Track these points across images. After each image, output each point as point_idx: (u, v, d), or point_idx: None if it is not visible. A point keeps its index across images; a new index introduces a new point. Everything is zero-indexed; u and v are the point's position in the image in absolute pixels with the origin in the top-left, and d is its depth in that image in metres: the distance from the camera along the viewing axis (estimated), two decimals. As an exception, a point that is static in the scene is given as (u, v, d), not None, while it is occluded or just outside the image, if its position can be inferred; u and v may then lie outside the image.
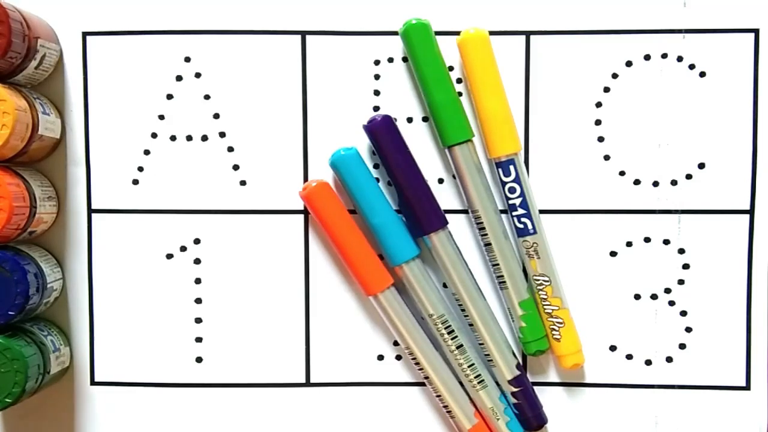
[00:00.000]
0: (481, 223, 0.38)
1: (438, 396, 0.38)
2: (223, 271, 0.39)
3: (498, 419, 0.38)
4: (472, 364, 0.38)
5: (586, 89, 0.38)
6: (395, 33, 0.38)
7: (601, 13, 0.38)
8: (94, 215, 0.39)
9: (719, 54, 0.38)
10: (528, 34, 0.38)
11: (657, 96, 0.38)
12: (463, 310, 0.38)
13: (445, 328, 0.38)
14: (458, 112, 0.37)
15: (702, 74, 0.38)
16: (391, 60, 0.38)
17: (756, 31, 0.38)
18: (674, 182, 0.39)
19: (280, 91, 0.39)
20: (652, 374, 0.39)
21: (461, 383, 0.38)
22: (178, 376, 0.39)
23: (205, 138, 0.39)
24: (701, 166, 0.38)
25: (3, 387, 0.35)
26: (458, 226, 0.39)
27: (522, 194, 0.37)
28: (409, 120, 0.39)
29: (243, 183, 0.39)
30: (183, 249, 0.39)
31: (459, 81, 0.38)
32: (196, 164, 0.39)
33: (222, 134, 0.39)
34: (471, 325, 0.38)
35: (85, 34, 0.39)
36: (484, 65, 0.37)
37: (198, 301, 0.39)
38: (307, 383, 0.39)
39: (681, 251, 0.39)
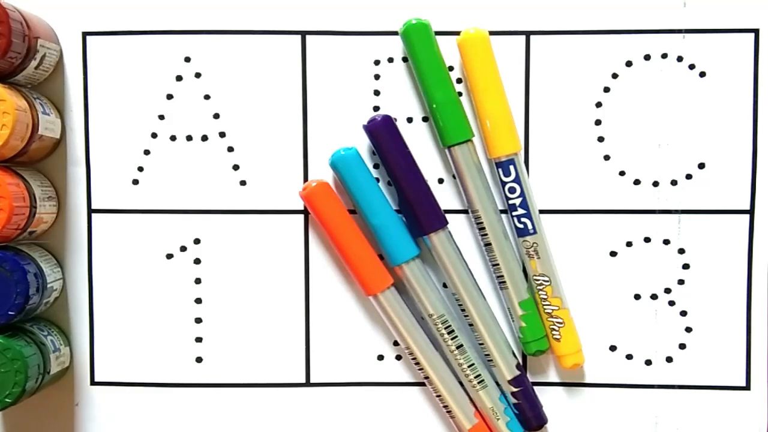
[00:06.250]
0: (481, 223, 0.38)
1: (438, 396, 0.38)
2: (223, 271, 0.39)
3: (498, 419, 0.38)
4: (472, 364, 0.38)
5: (586, 89, 0.38)
6: (395, 33, 0.38)
7: (601, 13, 0.38)
8: (94, 215, 0.39)
9: (719, 54, 0.38)
10: (528, 34, 0.38)
11: (657, 96, 0.38)
12: (463, 310, 0.38)
13: (445, 328, 0.38)
14: (458, 112, 0.37)
15: (702, 74, 0.38)
16: (391, 60, 0.38)
17: (756, 31, 0.38)
18: (674, 182, 0.39)
19: (280, 91, 0.39)
20: (652, 374, 0.39)
21: (461, 383, 0.38)
22: (178, 376, 0.39)
23: (205, 138, 0.39)
24: (701, 166, 0.38)
25: (3, 387, 0.35)
26: (458, 226, 0.39)
27: (522, 194, 0.38)
28: (409, 120, 0.39)
29: (243, 183, 0.39)
30: (183, 249, 0.39)
31: (459, 81, 0.38)
32: (196, 164, 0.39)
33: (222, 134, 0.39)
34: (471, 325, 0.38)
35: (85, 34, 0.39)
36: (484, 65, 0.37)
37: (198, 301, 0.39)
38: (307, 383, 0.39)
39: (681, 251, 0.39)
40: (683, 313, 0.39)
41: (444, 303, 0.38)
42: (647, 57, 0.38)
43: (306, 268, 0.39)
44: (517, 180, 0.37)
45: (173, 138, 0.39)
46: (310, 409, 0.39)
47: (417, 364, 0.38)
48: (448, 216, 0.38)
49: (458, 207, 0.39)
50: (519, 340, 0.39)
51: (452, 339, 0.38)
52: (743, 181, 0.38)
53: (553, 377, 0.39)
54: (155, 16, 0.38)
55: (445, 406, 0.38)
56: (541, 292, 0.38)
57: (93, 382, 0.39)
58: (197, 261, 0.39)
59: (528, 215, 0.38)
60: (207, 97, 0.39)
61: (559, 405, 0.39)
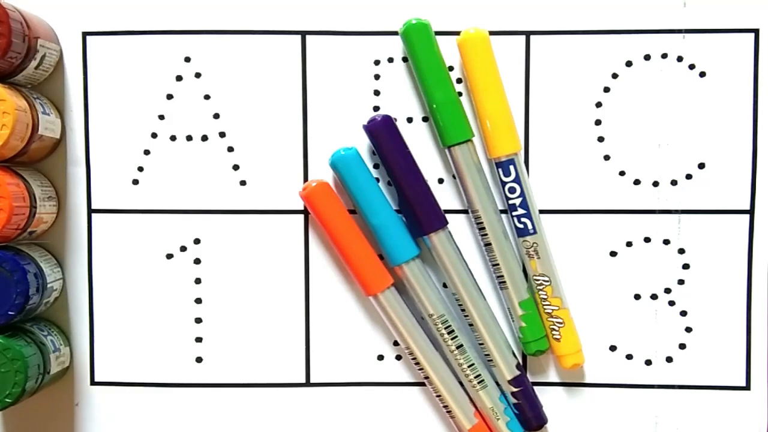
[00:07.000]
0: (481, 223, 0.38)
1: (438, 396, 0.38)
2: (223, 271, 0.39)
3: (498, 419, 0.38)
4: (472, 364, 0.38)
5: (586, 89, 0.38)
6: (395, 33, 0.38)
7: (601, 13, 0.38)
8: (94, 215, 0.39)
9: (719, 54, 0.38)
10: (528, 34, 0.38)
11: (657, 96, 0.38)
12: (463, 310, 0.38)
13: (445, 328, 0.38)
14: (458, 112, 0.37)
15: (702, 74, 0.38)
16: (391, 60, 0.38)
17: (756, 31, 0.38)
18: (674, 182, 0.39)
19: (280, 91, 0.39)
20: (652, 374, 0.39)
21: (461, 383, 0.38)
22: (178, 376, 0.39)
23: (205, 138, 0.39)
24: (701, 166, 0.38)
25: (3, 387, 0.35)
26: (458, 226, 0.39)
27: (522, 194, 0.38)
28: (409, 120, 0.39)
29: (243, 183, 0.39)
30: (183, 249, 0.39)
31: (459, 81, 0.38)
32: (196, 164, 0.39)
33: (222, 134, 0.39)
34: (471, 325, 0.38)
35: (85, 34, 0.39)
36: (484, 65, 0.37)
37: (198, 301, 0.39)
38: (307, 383, 0.39)
39: (681, 251, 0.39)
40: (683, 313, 0.39)
41: (444, 303, 0.38)
42: (647, 57, 0.38)
43: (306, 268, 0.39)
44: (517, 180, 0.37)
45: (173, 138, 0.39)
46: (310, 409, 0.39)
47: (417, 364, 0.38)
48: (448, 216, 0.38)
49: (458, 207, 0.39)
50: (519, 340, 0.39)
51: (452, 339, 0.38)
52: (743, 181, 0.38)
53: (553, 377, 0.39)
54: (155, 16, 0.38)
55: (445, 406, 0.38)
56: (541, 292, 0.38)
57: (93, 382, 0.39)
58: (197, 261, 0.39)
59: (528, 215, 0.38)
60: (207, 97, 0.39)
61: (559, 405, 0.39)
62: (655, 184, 0.39)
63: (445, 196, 0.39)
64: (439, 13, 0.38)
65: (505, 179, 0.38)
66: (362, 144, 0.38)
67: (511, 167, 0.37)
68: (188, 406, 0.39)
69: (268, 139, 0.39)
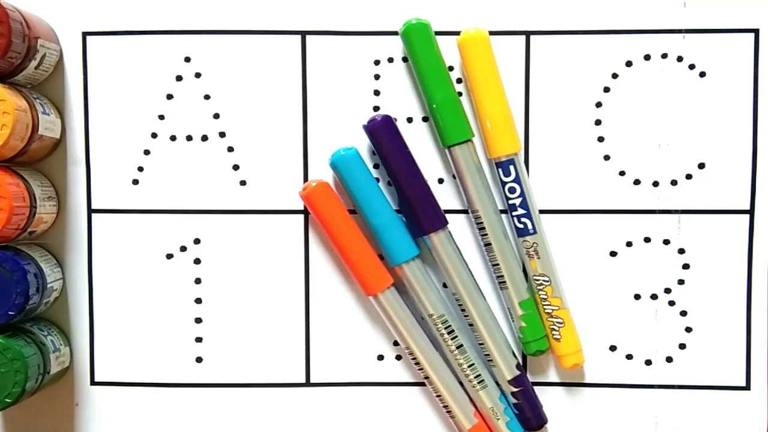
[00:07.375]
0: (481, 223, 0.38)
1: (438, 396, 0.38)
2: (223, 271, 0.39)
3: (498, 419, 0.38)
4: (472, 364, 0.38)
5: (586, 89, 0.38)
6: (395, 33, 0.38)
7: (601, 13, 0.38)
8: (94, 215, 0.39)
9: (719, 54, 0.38)
10: (528, 34, 0.38)
11: (657, 96, 0.38)
12: (463, 310, 0.38)
13: (445, 328, 0.38)
14: (458, 112, 0.37)
15: (702, 74, 0.38)
16: (391, 60, 0.38)
17: (756, 31, 0.38)
18: (674, 182, 0.39)
19: (280, 91, 0.39)
20: (652, 374, 0.39)
21: (461, 383, 0.38)
22: (178, 376, 0.39)
23: (205, 138, 0.39)
24: (701, 166, 0.38)
25: (3, 387, 0.35)
26: (458, 226, 0.39)
27: (522, 194, 0.38)
28: (409, 120, 0.39)
29: (243, 183, 0.39)
30: (183, 249, 0.39)
31: (459, 81, 0.38)
32: (196, 164, 0.39)
33: (222, 134, 0.39)
34: (471, 325, 0.38)
35: (85, 34, 0.39)
36: (484, 65, 0.37)
37: (198, 301, 0.39)
38: (307, 383, 0.39)
39: (681, 251, 0.39)
40: (683, 313, 0.39)
41: (444, 303, 0.38)
42: (647, 57, 0.38)
43: (306, 268, 0.39)
44: (517, 180, 0.37)
45: (173, 138, 0.39)
46: (310, 409, 0.39)
47: (417, 364, 0.38)
48: (448, 216, 0.38)
49: (458, 207, 0.39)
50: (519, 340, 0.39)
51: (452, 339, 0.38)
52: (743, 181, 0.38)
53: (553, 377, 0.39)
54: (155, 16, 0.38)
55: (445, 406, 0.38)
56: (541, 292, 0.38)
57: (93, 382, 0.39)
58: (197, 261, 0.39)
59: (528, 215, 0.38)
60: (207, 97, 0.39)
61: (559, 405, 0.39)
62: (655, 184, 0.39)
63: (445, 196, 0.39)
64: (439, 13, 0.38)
65: (505, 179, 0.38)
66: (362, 144, 0.38)
67: (511, 167, 0.37)
68: (188, 406, 0.39)
69: (268, 139, 0.39)
